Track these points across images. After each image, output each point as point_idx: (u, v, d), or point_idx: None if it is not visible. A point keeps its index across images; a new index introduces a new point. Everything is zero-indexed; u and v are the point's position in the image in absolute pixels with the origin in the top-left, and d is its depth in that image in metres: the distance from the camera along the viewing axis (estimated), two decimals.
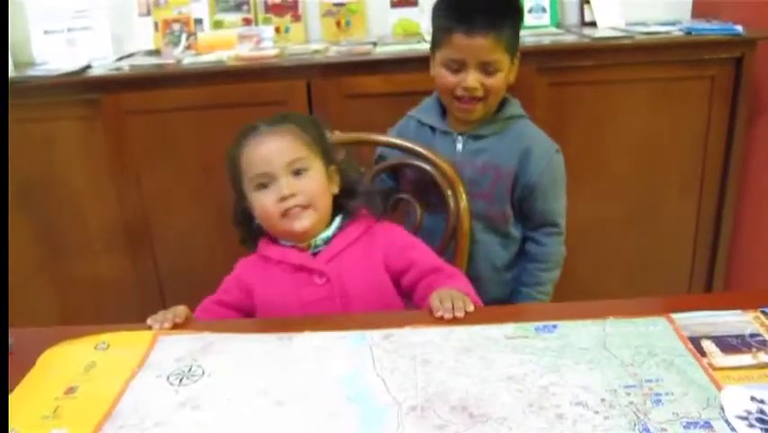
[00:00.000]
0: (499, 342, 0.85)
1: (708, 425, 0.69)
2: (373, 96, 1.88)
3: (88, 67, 2.05)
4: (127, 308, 2.12)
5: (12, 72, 2.08)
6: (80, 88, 1.97)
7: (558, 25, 2.23)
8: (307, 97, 1.90)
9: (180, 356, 0.86)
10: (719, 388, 0.74)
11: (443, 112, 1.40)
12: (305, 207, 1.08)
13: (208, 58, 2.04)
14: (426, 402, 0.75)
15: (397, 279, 1.13)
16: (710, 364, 0.79)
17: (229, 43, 2.16)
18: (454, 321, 0.92)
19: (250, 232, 1.17)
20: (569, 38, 2.02)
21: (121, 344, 0.90)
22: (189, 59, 2.04)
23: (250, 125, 1.13)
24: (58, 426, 0.74)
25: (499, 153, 1.34)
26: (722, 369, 0.78)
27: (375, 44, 2.08)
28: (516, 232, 1.40)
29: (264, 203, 1.08)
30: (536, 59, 1.88)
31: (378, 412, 0.73)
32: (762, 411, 0.70)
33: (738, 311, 0.89)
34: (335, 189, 1.15)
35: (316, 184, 1.10)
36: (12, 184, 2.00)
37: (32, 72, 2.05)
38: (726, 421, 0.69)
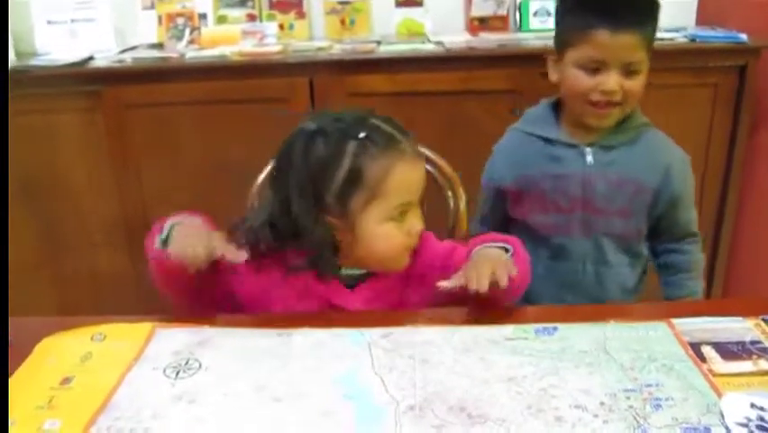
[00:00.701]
0: (499, 343, 0.85)
1: (707, 431, 0.68)
2: (376, 94, 1.88)
3: (91, 58, 2.05)
4: (126, 303, 2.11)
5: (14, 62, 2.08)
6: (82, 80, 1.96)
7: None
8: (310, 95, 1.90)
9: (178, 349, 0.85)
10: (719, 394, 0.74)
11: (558, 122, 1.29)
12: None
13: (211, 53, 2.04)
14: (425, 402, 0.74)
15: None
16: (710, 370, 0.78)
17: (232, 39, 2.15)
18: (485, 303, 0.90)
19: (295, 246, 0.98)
20: None
21: (118, 335, 0.89)
22: (192, 54, 2.04)
23: (380, 132, 0.96)
24: (52, 416, 0.73)
25: (635, 166, 1.24)
26: (722, 375, 0.77)
27: (379, 43, 2.07)
28: (644, 250, 1.32)
29: (398, 238, 0.97)
30: (540, 61, 1.88)
31: (375, 411, 0.73)
32: (762, 418, 0.70)
33: (739, 318, 0.88)
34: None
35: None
36: (11, 176, 2.00)
37: (33, 62, 2.05)
38: (726, 428, 0.69)
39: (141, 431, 0.71)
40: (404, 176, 0.95)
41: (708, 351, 0.82)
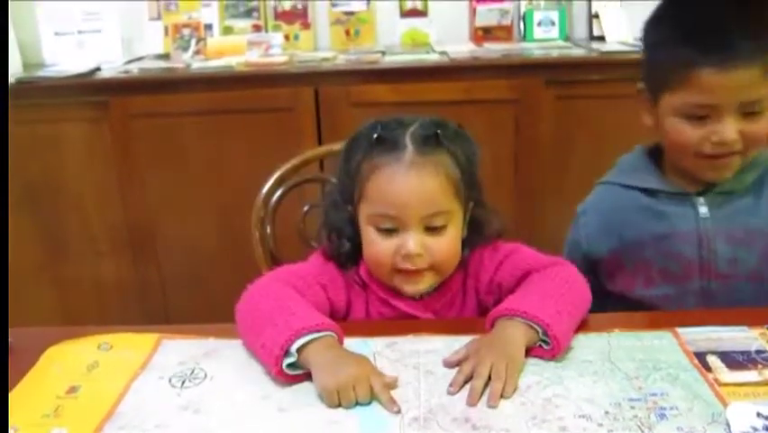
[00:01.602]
0: None
1: None
2: (381, 104, 1.89)
3: (97, 69, 2.07)
4: (129, 312, 2.12)
5: (21, 73, 2.10)
6: (89, 90, 1.98)
7: (567, 39, 2.24)
8: (315, 105, 1.91)
9: (183, 360, 0.86)
10: (725, 404, 0.73)
11: (659, 170, 1.07)
12: (426, 269, 0.91)
13: (217, 63, 2.05)
14: (429, 413, 0.74)
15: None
16: (716, 380, 0.78)
17: (238, 49, 2.17)
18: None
19: (352, 247, 0.96)
20: (577, 51, 2.03)
21: (124, 345, 0.89)
22: (198, 65, 2.05)
23: (397, 129, 0.91)
24: (58, 425, 0.74)
25: (766, 214, 1.01)
26: (728, 385, 0.77)
27: (383, 53, 2.09)
28: None
29: (380, 250, 0.90)
30: (545, 71, 1.89)
31: (379, 422, 0.73)
32: None
33: (744, 327, 0.88)
34: (465, 233, 0.96)
35: (450, 245, 0.91)
36: (17, 185, 2.01)
37: (41, 73, 2.06)
38: None
39: None
40: (386, 182, 0.88)
41: (713, 360, 0.82)
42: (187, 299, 2.10)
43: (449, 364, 0.82)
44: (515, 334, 0.83)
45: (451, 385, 0.78)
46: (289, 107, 1.91)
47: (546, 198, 1.96)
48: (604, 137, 1.94)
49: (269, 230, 1.27)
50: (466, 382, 0.78)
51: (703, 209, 1.02)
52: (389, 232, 0.90)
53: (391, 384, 0.77)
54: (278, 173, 1.28)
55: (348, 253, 0.97)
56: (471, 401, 0.75)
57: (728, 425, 0.70)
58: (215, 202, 2.00)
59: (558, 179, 1.95)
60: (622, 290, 1.08)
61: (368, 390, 0.75)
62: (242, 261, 1.25)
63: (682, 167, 1.02)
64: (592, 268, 1.10)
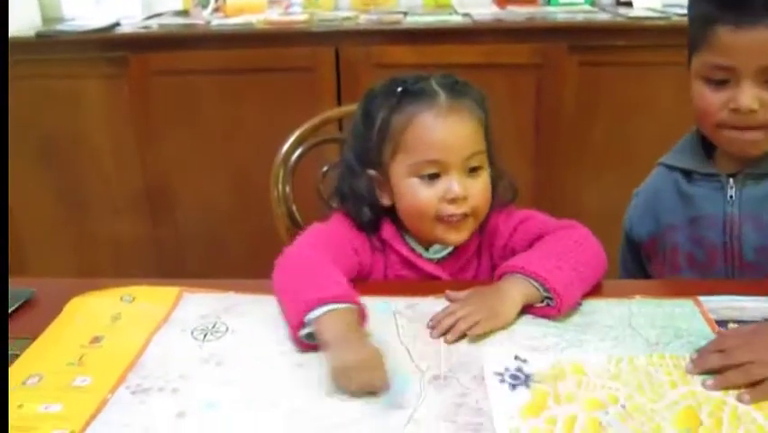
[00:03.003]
0: (522, 315, 0.85)
1: None
2: (402, 66, 1.86)
3: (117, 24, 2.05)
4: (146, 269, 2.14)
5: (39, 27, 2.08)
6: (107, 46, 1.97)
7: (592, 3, 2.19)
8: (336, 65, 1.89)
9: (205, 313, 0.86)
10: None
11: (708, 150, 1.01)
12: (467, 215, 0.91)
13: (237, 21, 2.03)
14: (449, 372, 0.74)
15: None
16: None
17: (258, 7, 2.14)
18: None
19: (371, 210, 0.96)
20: (603, 16, 1.99)
21: (146, 298, 0.90)
22: (217, 22, 2.03)
23: (420, 82, 0.90)
24: (82, 373, 0.75)
25: None
26: None
27: (405, 14, 2.06)
28: None
29: (424, 198, 0.90)
30: (569, 36, 1.86)
31: (400, 380, 0.73)
32: (519, 369, 0.74)
33: (765, 298, 0.87)
34: None
35: (487, 188, 0.92)
36: (35, 140, 2.02)
37: (59, 27, 2.05)
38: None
39: (170, 391, 0.72)
40: (426, 129, 0.88)
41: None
42: (203, 257, 2.12)
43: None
44: (510, 289, 0.84)
45: (431, 320, 0.82)
46: (309, 67, 1.89)
47: (567, 166, 1.94)
48: (628, 106, 1.91)
49: (287, 190, 1.27)
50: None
51: (730, 192, 0.97)
52: (432, 179, 0.90)
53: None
54: (297, 132, 1.27)
55: (370, 218, 0.96)
56: (435, 335, 0.80)
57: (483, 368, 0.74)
58: (233, 161, 2.00)
59: (579, 148, 1.92)
60: (656, 276, 1.06)
61: (365, 382, 0.71)
62: (258, 220, 1.25)
63: (712, 140, 0.97)
64: (637, 254, 1.09)
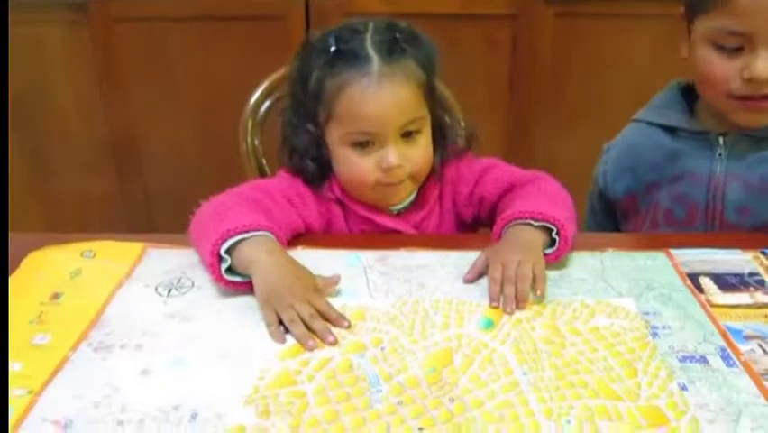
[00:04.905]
0: None
1: (703, 360, 0.68)
2: (373, 15, 1.80)
3: None
4: (113, 225, 2.09)
5: None
6: None
7: None
8: (305, 14, 1.83)
9: (169, 269, 0.84)
10: (717, 324, 0.73)
11: (690, 107, 0.99)
12: (405, 179, 0.90)
13: None
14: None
15: (476, 220, 1.01)
16: (708, 301, 0.78)
17: None
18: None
19: (318, 166, 0.93)
20: None
21: (108, 253, 0.87)
22: None
23: (355, 40, 0.85)
24: (42, 330, 0.72)
25: None
26: (720, 306, 0.77)
27: None
28: None
29: (360, 168, 0.88)
30: None
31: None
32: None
33: (738, 250, 0.88)
34: None
35: (425, 151, 0.90)
36: None
37: None
38: (722, 356, 0.68)
39: (133, 348, 0.70)
40: (356, 102, 0.84)
41: (706, 282, 0.81)
42: (171, 212, 2.05)
43: (470, 280, 0.81)
44: (533, 235, 0.83)
45: (493, 301, 0.76)
46: (279, 16, 1.83)
47: (541, 119, 1.93)
48: (603, 59, 1.89)
49: (257, 143, 1.23)
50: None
51: (720, 151, 0.95)
52: (365, 148, 0.87)
53: (332, 284, 0.77)
54: (266, 83, 1.23)
55: (314, 172, 0.94)
56: (509, 310, 0.75)
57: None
58: (201, 113, 1.94)
59: (554, 100, 1.90)
60: (632, 232, 1.05)
61: (308, 306, 0.72)
62: (228, 174, 1.21)
63: (715, 108, 0.94)
64: (609, 208, 1.07)
